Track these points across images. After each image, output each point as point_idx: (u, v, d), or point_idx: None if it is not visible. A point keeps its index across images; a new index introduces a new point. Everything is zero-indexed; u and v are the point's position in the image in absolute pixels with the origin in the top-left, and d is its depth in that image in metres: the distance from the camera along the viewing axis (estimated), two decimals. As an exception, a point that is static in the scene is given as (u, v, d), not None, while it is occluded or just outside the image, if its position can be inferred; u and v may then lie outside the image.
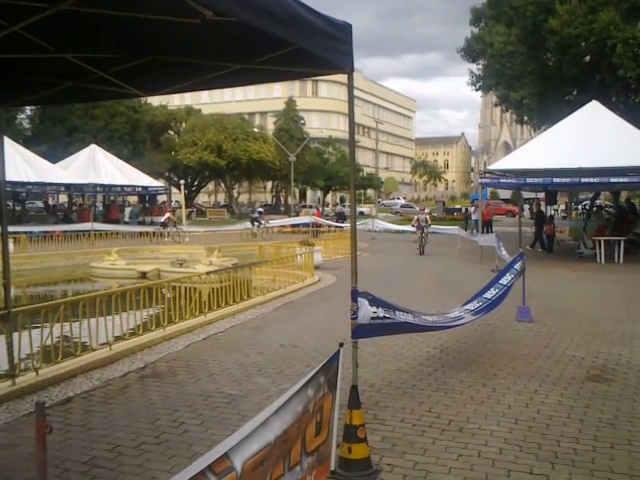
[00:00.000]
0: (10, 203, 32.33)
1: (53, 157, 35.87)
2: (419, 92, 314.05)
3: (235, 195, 69.75)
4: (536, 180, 19.60)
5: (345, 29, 4.28)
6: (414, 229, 27.58)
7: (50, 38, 4.53)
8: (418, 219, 24.62)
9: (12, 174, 24.56)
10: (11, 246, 16.04)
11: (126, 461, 4.61)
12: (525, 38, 28.47)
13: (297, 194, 70.88)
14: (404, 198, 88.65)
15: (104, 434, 5.16)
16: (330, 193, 74.20)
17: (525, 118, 37.12)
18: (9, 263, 6.64)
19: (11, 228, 14.81)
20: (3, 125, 7.88)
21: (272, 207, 66.85)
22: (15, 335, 6.46)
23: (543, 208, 26.63)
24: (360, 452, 4.31)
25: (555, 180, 18.91)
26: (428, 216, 25.81)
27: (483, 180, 22.10)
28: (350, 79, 4.49)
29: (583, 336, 8.91)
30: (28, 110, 47.87)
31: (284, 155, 58.69)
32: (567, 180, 18.83)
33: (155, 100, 56.29)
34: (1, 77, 5.42)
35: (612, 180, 18.29)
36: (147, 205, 41.34)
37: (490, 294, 8.00)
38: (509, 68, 31.58)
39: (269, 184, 73.95)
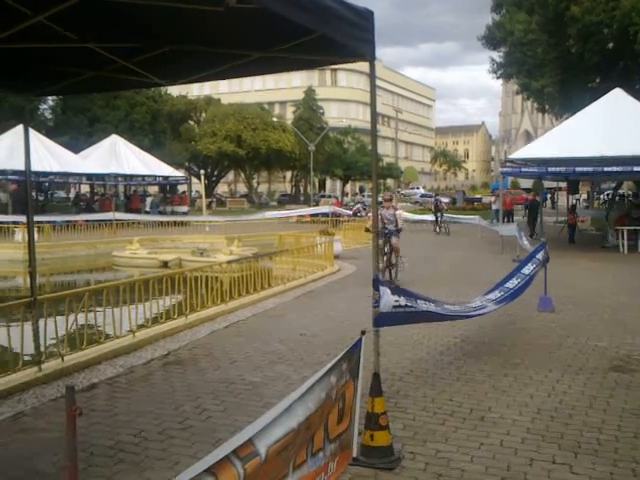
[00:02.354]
0: (34, 193, 32.72)
1: (75, 147, 36.26)
2: (436, 81, 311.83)
3: (255, 185, 69.90)
4: (558, 169, 19.37)
5: (367, 16, 4.24)
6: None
7: (74, 27, 4.57)
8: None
9: (35, 164, 24.73)
10: (35, 235, 16.33)
11: (151, 446, 4.68)
12: (546, 26, 28.15)
13: (316, 184, 70.83)
14: (424, 188, 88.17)
15: (129, 419, 5.24)
16: (349, 183, 74.06)
17: (546, 106, 36.76)
18: (35, 252, 6.76)
19: (35, 218, 15.02)
20: (28, 116, 7.98)
21: (291, 197, 66.88)
22: (41, 322, 6.59)
23: (538, 198, 26.31)
24: (382, 439, 4.33)
25: (577, 169, 18.70)
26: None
27: (504, 169, 21.90)
28: (372, 67, 4.46)
29: (606, 326, 8.83)
30: (50, 100, 48.41)
31: (303, 145, 58.63)
32: (589, 169, 18.61)
33: (175, 90, 56.57)
34: (25, 67, 5.49)
35: (635, 169, 18.00)
36: (168, 195, 41.59)
37: (512, 284, 7.96)
38: (530, 56, 31.26)
39: (288, 174, 73.95)
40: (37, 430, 5.08)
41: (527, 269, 8.49)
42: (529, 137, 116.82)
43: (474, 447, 4.64)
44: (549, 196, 46.80)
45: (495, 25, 34.51)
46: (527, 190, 64.36)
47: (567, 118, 26.10)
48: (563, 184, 29.14)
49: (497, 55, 36.63)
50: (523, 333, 8.41)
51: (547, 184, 35.99)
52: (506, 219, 28.23)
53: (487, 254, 19.12)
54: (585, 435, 4.88)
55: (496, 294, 7.55)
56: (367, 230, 13.21)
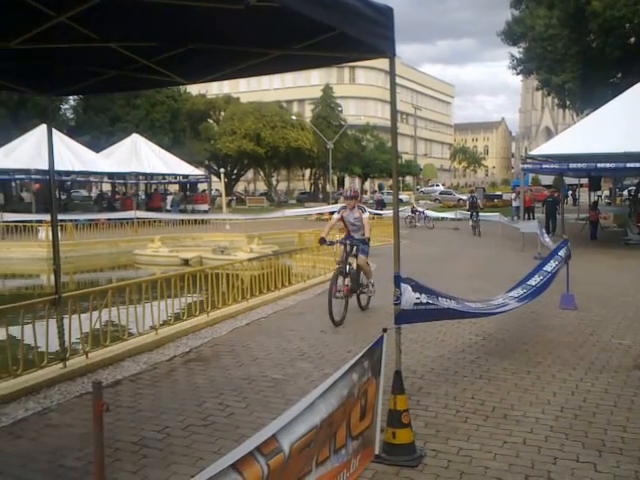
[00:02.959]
0: (56, 192, 33.12)
1: (96, 146, 36.65)
2: (454, 78, 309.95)
3: (274, 183, 70.08)
4: (579, 165, 19.16)
5: (387, 12, 4.22)
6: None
7: (96, 27, 4.61)
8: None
9: (58, 163, 25.06)
10: (59, 234, 16.51)
11: (175, 442, 4.73)
12: (567, 21, 27.87)
13: (335, 181, 70.82)
14: (443, 185, 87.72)
15: (153, 416, 5.29)
16: (368, 180, 73.94)
17: (567, 102, 36.37)
18: (59, 250, 6.85)
19: (58, 216, 15.22)
20: (51, 115, 8.09)
21: (311, 195, 66.95)
22: (65, 319, 6.68)
23: (557, 195, 26.04)
24: (404, 437, 4.33)
25: (599, 165, 18.46)
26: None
27: (525, 166, 21.75)
28: (392, 63, 4.44)
29: (629, 324, 8.74)
30: (72, 100, 48.91)
31: (322, 142, 58.67)
32: (612, 165, 18.36)
33: (194, 89, 56.92)
34: (48, 67, 5.55)
35: (659, 165, 17.77)
36: (188, 193, 41.86)
37: (534, 281, 7.90)
38: (551, 51, 30.96)
39: (307, 172, 74.04)
40: (63, 426, 5.16)
41: (549, 266, 8.42)
42: (550, 133, 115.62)
43: (497, 445, 4.62)
44: (570, 192, 46.29)
45: (515, 21, 34.24)
46: (548, 187, 63.93)
47: (588, 114, 25.85)
48: (584, 180, 28.79)
49: (517, 51, 36.37)
50: (545, 331, 8.34)
51: (568, 180, 35.65)
52: (527, 216, 28.01)
53: (508, 251, 18.99)
54: (609, 433, 4.84)
55: (518, 291, 7.51)
56: (322, 241, 9.47)
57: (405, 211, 34.18)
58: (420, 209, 34.15)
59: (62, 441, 4.82)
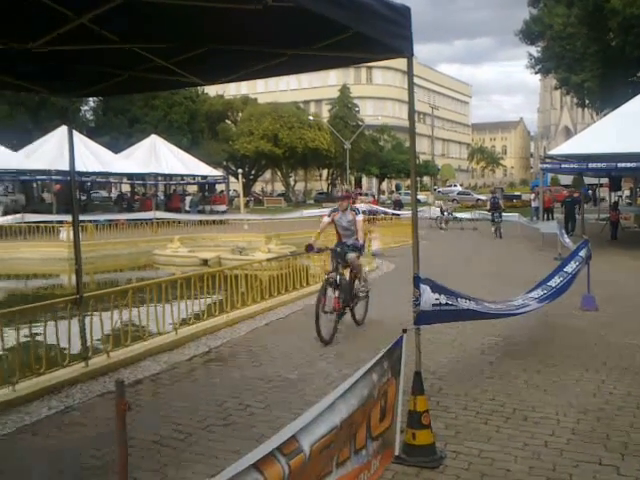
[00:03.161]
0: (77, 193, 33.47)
1: (115, 147, 36.97)
2: (470, 77, 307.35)
3: (292, 183, 70.20)
4: (599, 165, 18.97)
5: (404, 12, 4.21)
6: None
7: (115, 29, 4.65)
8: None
9: (78, 164, 25.35)
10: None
11: (195, 441, 4.76)
12: (586, 19, 27.60)
13: (352, 182, 70.74)
14: (461, 185, 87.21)
15: (173, 415, 5.33)
16: (385, 180, 73.76)
17: (587, 101, 36.03)
18: (80, 250, 6.93)
19: (79, 217, 15.33)
20: (71, 117, 8.17)
21: (328, 195, 66.93)
22: (87, 319, 6.75)
23: (577, 194, 25.71)
24: (424, 438, 4.32)
25: (620, 165, 18.27)
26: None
27: (544, 165, 21.58)
28: (410, 63, 4.44)
29: (652, 326, 8.63)
30: (91, 102, 49.38)
31: (339, 143, 58.66)
32: (632, 165, 18.15)
33: (212, 90, 57.20)
34: (68, 68, 5.62)
35: (682, 164, 17.54)
36: (206, 194, 42.08)
37: (554, 282, 7.85)
38: (569, 50, 30.71)
39: (325, 172, 74.03)
40: (85, 424, 5.21)
41: (569, 267, 8.36)
42: (569, 133, 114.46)
43: (518, 447, 4.59)
44: (590, 192, 45.81)
45: (533, 19, 34.01)
46: (567, 187, 63.31)
47: (608, 113, 25.56)
48: (604, 180, 28.50)
49: (535, 50, 36.12)
50: (566, 332, 8.27)
51: (588, 180, 35.28)
52: (546, 216, 27.79)
53: (527, 252, 18.85)
54: (632, 436, 4.78)
55: (538, 292, 7.46)
56: (309, 249, 8.25)
57: (424, 212, 33.94)
58: (448, 210, 32.83)
59: (84, 439, 4.88)
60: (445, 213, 31.99)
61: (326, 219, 8.60)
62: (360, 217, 8.44)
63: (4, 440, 4.89)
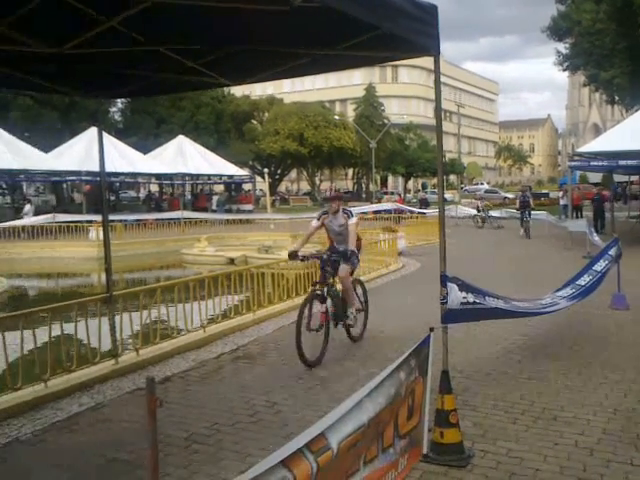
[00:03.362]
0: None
1: (143, 148, 37.36)
2: (497, 75, 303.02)
3: (317, 182, 70.28)
4: (629, 162, 18.65)
5: (430, 10, 4.20)
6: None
7: (144, 31, 4.72)
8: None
9: (107, 165, 25.70)
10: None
11: (224, 438, 4.80)
12: (615, 14, 27.15)
13: (378, 181, 70.54)
14: (488, 183, 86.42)
15: (202, 412, 5.39)
16: (411, 179, 73.42)
17: (616, 98, 35.44)
18: (110, 249, 7.03)
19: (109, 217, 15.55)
20: (100, 118, 8.28)
21: (354, 194, 66.85)
22: (117, 317, 6.86)
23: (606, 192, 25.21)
24: (452, 437, 4.31)
25: (650, 162, 17.95)
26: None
27: (572, 163, 21.25)
28: (437, 62, 4.42)
29: (685, 325, 8.47)
30: (120, 103, 49.97)
31: (365, 142, 58.53)
32: (664, 162, 17.84)
33: (238, 90, 57.41)
34: (98, 70, 5.70)
35: None
36: (233, 193, 42.33)
37: (583, 281, 7.74)
38: (598, 46, 30.25)
39: (350, 171, 73.95)
40: (115, 420, 5.30)
41: (599, 266, 8.23)
42: (598, 130, 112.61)
43: (547, 447, 4.55)
44: (619, 190, 45.04)
45: (560, 16, 33.58)
46: (596, 185, 62.32)
47: (638, 109, 25.09)
48: (635, 178, 27.98)
49: (563, 47, 35.67)
50: (596, 331, 8.16)
51: (618, 178, 34.69)
52: (575, 214, 27.36)
53: (556, 251, 18.61)
54: (664, 437, 4.71)
55: (567, 291, 7.37)
56: (294, 257, 7.44)
57: (450, 210, 33.62)
58: (484, 208, 31.82)
59: (115, 435, 4.96)
60: (482, 212, 31.59)
61: (315, 223, 7.57)
62: (353, 220, 7.36)
63: (37, 436, 4.99)
